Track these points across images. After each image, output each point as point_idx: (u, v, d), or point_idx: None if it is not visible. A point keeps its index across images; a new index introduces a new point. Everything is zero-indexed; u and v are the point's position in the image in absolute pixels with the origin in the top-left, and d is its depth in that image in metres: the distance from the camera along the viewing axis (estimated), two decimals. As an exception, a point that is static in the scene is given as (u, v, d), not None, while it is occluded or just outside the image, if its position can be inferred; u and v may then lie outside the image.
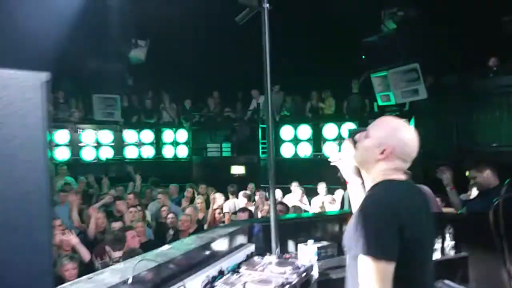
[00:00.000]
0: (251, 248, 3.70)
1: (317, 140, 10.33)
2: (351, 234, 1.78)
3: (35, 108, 1.31)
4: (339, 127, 9.97)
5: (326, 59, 10.44)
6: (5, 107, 1.25)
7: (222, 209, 7.32)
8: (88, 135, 11.52)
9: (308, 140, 10.40)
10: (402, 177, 1.92)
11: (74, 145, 11.31)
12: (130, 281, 2.42)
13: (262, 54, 3.68)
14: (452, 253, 3.87)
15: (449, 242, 3.88)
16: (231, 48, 10.69)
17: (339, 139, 9.89)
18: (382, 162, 1.89)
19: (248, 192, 8.10)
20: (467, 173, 4.37)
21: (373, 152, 1.91)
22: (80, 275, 3.99)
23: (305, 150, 10.38)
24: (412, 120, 9.38)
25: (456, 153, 8.08)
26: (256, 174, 10.36)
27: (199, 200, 7.80)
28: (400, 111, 9.71)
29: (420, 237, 1.78)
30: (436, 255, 3.80)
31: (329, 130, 10.14)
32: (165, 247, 3.33)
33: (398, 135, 1.89)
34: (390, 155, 1.88)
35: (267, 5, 3.47)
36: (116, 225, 5.65)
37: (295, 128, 10.44)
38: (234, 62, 11.18)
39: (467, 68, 8.56)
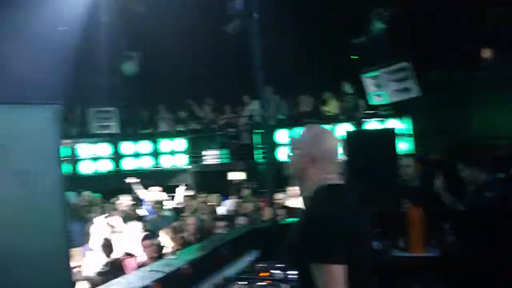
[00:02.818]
0: (256, 254, 3.75)
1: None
2: (299, 242, 1.86)
3: (51, 137, 1.43)
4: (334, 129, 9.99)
5: (317, 62, 10.53)
6: (22, 140, 1.36)
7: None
8: (84, 149, 11.54)
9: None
10: (336, 180, 2.03)
11: (72, 160, 11.33)
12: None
13: (254, 61, 3.77)
14: (451, 249, 3.90)
15: (448, 238, 3.92)
16: (225, 55, 10.77)
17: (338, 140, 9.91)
18: (313, 169, 2.01)
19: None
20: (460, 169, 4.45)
21: (303, 162, 2.03)
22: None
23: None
24: (406, 118, 9.50)
25: (452, 148, 8.15)
26: (254, 179, 10.39)
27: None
28: (394, 110, 9.81)
29: (359, 238, 1.90)
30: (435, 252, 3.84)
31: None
32: (170, 257, 3.40)
33: (321, 142, 2.02)
34: (319, 161, 1.99)
35: (256, 15, 3.56)
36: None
37: (290, 131, 10.47)
38: (228, 69, 11.28)
39: (458, 62, 8.65)
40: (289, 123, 10.93)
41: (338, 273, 1.74)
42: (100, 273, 4.62)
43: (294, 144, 2.11)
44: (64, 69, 9.28)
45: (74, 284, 1.51)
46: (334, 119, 10.49)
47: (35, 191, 1.47)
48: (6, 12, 8.65)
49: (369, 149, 4.30)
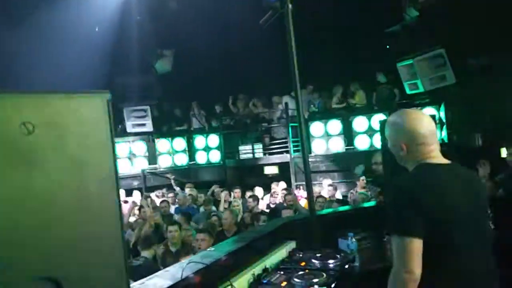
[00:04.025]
0: (292, 244, 3.76)
1: (348, 134, 10.26)
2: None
3: (103, 124, 1.46)
4: (369, 119, 9.85)
5: (350, 52, 10.39)
6: (76, 126, 1.40)
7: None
8: (121, 147, 11.79)
9: (339, 135, 10.33)
10: (437, 159, 2.00)
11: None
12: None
13: (288, 54, 3.75)
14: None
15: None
16: (255, 50, 10.77)
17: (370, 131, 9.81)
18: (410, 154, 2.04)
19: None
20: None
21: (398, 152, 2.09)
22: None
23: (337, 145, 10.31)
24: (442, 107, 9.24)
25: (490, 137, 7.88)
26: (289, 173, 10.39)
27: (235, 203, 7.90)
28: (429, 98, 9.57)
29: (454, 219, 1.84)
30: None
31: (359, 123, 10.02)
32: (209, 248, 3.44)
33: (405, 129, 2.03)
34: (410, 147, 2.01)
35: (290, 5, 3.53)
36: None
37: (325, 124, 10.40)
38: (259, 63, 11.28)
39: (496, 49, 8.33)
40: (323, 116, 10.86)
41: (408, 245, 1.77)
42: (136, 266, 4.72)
43: (390, 129, 2.13)
44: (100, 66, 9.74)
45: (129, 274, 1.57)
46: (366, 110, 10.37)
47: (88, 178, 1.52)
48: (52, 17, 9.61)
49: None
